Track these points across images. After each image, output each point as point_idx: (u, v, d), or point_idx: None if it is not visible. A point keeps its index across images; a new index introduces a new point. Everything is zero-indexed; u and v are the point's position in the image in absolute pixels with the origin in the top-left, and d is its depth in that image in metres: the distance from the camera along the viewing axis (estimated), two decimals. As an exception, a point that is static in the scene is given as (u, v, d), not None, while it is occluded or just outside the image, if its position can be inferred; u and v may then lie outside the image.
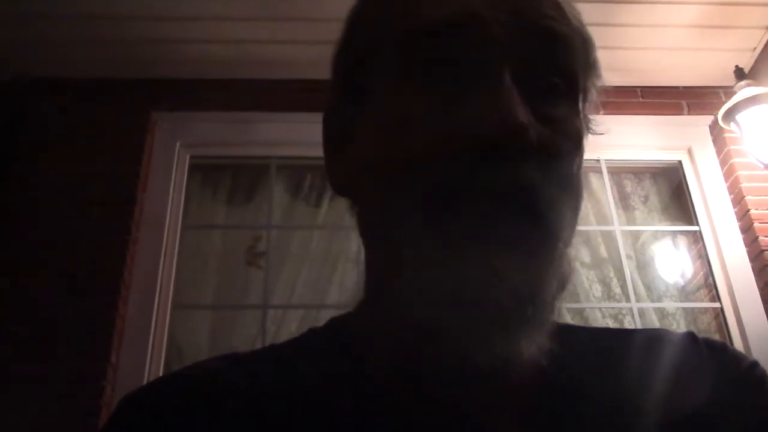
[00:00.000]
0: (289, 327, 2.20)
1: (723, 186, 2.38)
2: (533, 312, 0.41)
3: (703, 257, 2.35)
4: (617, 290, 2.33)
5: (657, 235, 2.49)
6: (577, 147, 0.46)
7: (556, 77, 0.45)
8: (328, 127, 0.54)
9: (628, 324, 2.25)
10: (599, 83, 0.51)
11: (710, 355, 0.52)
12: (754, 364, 0.52)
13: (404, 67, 0.45)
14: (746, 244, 2.27)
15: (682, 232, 2.45)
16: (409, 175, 0.42)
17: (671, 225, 2.49)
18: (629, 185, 2.56)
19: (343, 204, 0.53)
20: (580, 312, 2.28)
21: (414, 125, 0.43)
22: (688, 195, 2.43)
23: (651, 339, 0.53)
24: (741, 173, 2.33)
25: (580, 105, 0.48)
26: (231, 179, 2.46)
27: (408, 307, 0.41)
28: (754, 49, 2.42)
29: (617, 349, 0.52)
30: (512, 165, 0.41)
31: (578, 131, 0.47)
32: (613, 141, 2.43)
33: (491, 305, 0.39)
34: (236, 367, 0.50)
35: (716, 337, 2.21)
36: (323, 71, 0.57)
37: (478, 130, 0.41)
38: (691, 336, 0.53)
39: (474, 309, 0.40)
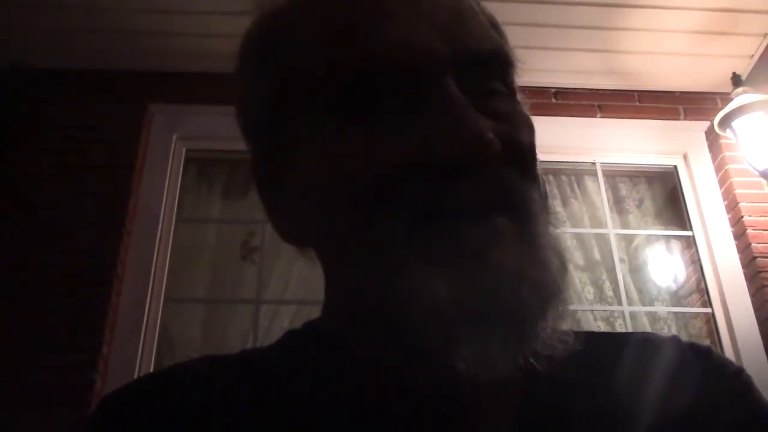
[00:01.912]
0: (281, 322, 2.20)
1: (717, 192, 2.39)
2: (555, 296, 0.42)
3: (695, 262, 2.36)
4: (609, 293, 2.34)
5: (650, 240, 2.49)
6: (533, 132, 0.48)
7: (495, 82, 0.47)
8: (260, 181, 0.53)
9: (620, 328, 2.26)
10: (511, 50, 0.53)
11: (695, 359, 0.52)
12: (739, 370, 0.52)
13: (345, 104, 0.44)
14: (739, 251, 2.28)
15: (675, 237, 2.46)
16: (385, 203, 0.42)
17: (665, 229, 2.49)
18: (624, 188, 2.56)
19: None
20: (572, 314, 2.29)
21: (375, 155, 0.43)
22: (682, 200, 2.44)
23: (635, 342, 0.53)
24: (735, 180, 2.34)
25: (518, 93, 0.50)
26: (226, 173, 2.46)
27: (405, 324, 0.40)
28: (752, 56, 2.43)
29: (601, 352, 0.52)
30: (488, 175, 0.41)
31: (528, 118, 0.49)
32: (610, 144, 2.45)
33: (518, 303, 0.40)
34: (217, 369, 0.49)
35: (707, 342, 2.22)
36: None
37: (447, 150, 0.41)
38: (675, 340, 0.53)
39: (498, 312, 0.40)
